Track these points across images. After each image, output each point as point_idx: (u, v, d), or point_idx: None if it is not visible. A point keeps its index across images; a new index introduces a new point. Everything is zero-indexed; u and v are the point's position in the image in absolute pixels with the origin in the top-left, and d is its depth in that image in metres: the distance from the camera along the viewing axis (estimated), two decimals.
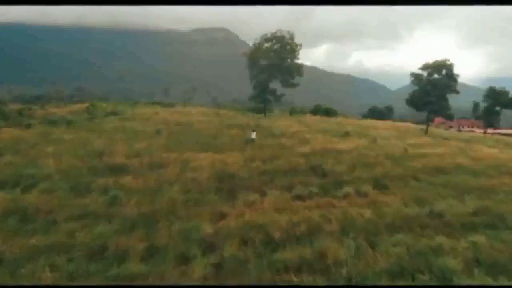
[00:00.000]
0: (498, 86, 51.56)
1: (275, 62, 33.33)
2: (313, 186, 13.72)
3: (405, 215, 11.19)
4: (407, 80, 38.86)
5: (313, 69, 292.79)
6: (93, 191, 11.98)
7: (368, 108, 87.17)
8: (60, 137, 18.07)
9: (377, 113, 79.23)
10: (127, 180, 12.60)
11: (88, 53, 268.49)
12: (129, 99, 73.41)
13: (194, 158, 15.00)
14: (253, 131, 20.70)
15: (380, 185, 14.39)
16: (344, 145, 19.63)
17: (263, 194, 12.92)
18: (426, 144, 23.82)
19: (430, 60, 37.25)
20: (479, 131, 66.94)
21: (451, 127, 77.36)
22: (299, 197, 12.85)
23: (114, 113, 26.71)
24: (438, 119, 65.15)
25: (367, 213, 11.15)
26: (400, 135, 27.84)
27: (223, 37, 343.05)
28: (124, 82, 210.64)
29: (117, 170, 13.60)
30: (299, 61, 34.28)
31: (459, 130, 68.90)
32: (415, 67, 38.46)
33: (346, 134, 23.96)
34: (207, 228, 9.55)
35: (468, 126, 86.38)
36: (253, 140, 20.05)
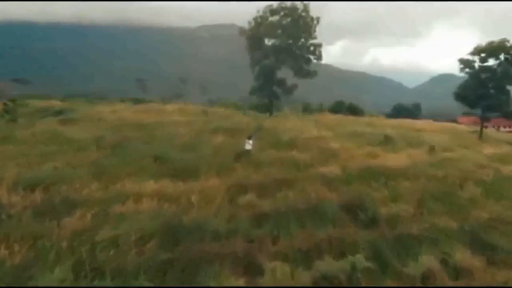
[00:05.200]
0: None
1: (284, 42, 26.68)
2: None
3: None
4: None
5: (328, 66, 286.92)
6: None
7: (383, 106, 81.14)
8: None
9: (404, 112, 73.16)
10: None
11: (89, 51, 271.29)
12: (128, 97, 69.81)
13: (131, 191, 8.72)
14: (249, 138, 14.36)
15: (485, 245, 8.01)
16: (392, 159, 13.17)
17: (256, 273, 6.74)
18: (508, 155, 17.20)
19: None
20: None
21: (486, 127, 70.12)
22: (330, 282, 6.61)
23: (58, 113, 20.94)
24: (466, 118, 58.57)
25: None
26: (459, 141, 21.25)
27: (232, 34, 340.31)
28: (125, 81, 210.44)
29: None
30: (317, 41, 27.32)
31: (497, 131, 62.02)
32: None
33: (387, 141, 17.43)
34: None
35: (505, 126, 79.31)
36: (248, 152, 13.76)
